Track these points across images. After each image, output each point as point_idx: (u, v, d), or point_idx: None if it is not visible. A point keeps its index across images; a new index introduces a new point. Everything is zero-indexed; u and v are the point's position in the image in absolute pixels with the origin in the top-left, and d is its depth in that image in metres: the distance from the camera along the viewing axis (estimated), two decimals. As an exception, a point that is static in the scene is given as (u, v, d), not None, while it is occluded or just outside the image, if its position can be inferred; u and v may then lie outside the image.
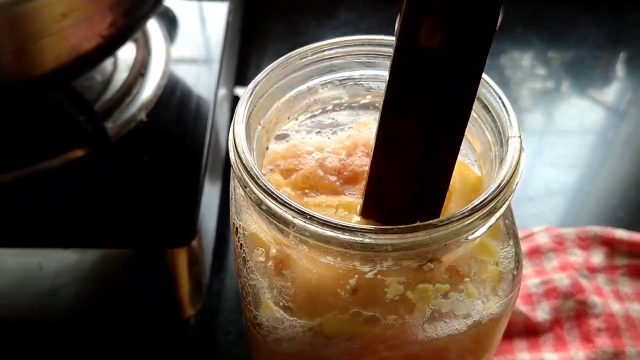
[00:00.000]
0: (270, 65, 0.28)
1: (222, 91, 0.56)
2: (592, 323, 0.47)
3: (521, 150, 0.25)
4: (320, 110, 0.31)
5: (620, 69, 0.73)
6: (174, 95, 0.52)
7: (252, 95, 0.27)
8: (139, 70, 0.51)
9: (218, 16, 0.59)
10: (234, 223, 0.28)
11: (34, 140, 0.47)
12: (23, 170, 0.45)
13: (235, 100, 0.64)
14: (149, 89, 0.51)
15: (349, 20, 0.76)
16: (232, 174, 0.30)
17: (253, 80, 0.27)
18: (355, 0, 0.77)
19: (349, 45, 0.29)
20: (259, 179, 0.24)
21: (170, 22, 0.57)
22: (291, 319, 0.25)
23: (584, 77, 0.70)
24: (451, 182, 0.29)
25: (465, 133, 0.28)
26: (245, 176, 0.25)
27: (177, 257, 0.45)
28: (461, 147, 0.30)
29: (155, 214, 0.45)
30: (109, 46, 0.39)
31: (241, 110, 0.26)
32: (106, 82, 0.50)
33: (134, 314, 0.50)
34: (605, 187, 0.61)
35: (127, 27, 0.40)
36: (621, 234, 0.52)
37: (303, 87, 0.29)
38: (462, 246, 0.24)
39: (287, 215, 0.23)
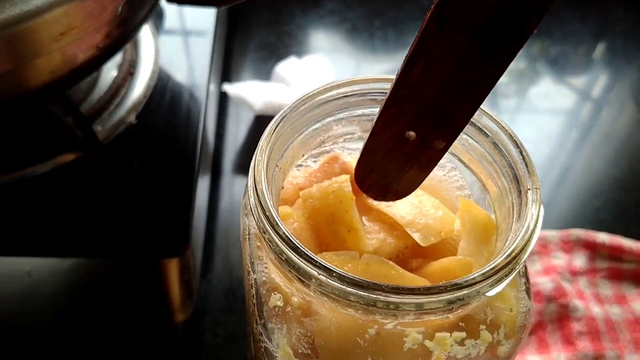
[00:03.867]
0: (285, 108, 0.27)
1: (212, 87, 0.55)
2: (573, 326, 0.48)
3: (540, 203, 0.25)
4: (331, 143, 0.31)
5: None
6: (164, 95, 0.50)
7: (270, 142, 0.26)
8: (128, 69, 0.49)
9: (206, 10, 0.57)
10: (247, 264, 0.28)
11: (20, 144, 0.45)
12: (10, 175, 0.44)
13: (222, 96, 0.63)
14: (138, 89, 0.49)
15: (334, 9, 0.74)
16: (242, 210, 0.30)
17: (269, 126, 0.26)
18: (341, -12, 0.75)
19: (362, 83, 0.29)
20: (283, 232, 0.24)
21: (157, 17, 0.55)
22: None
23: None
24: (460, 221, 0.29)
25: (480, 174, 0.29)
26: (268, 227, 0.24)
27: (169, 266, 0.44)
28: (470, 191, 0.31)
29: (147, 224, 0.44)
30: (104, 56, 0.38)
31: (261, 159, 0.25)
32: (93, 83, 0.48)
33: (124, 320, 0.49)
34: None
35: (123, 36, 0.38)
36: (603, 237, 0.53)
37: (318, 125, 0.29)
38: (481, 300, 0.25)
39: (312, 271, 0.23)
